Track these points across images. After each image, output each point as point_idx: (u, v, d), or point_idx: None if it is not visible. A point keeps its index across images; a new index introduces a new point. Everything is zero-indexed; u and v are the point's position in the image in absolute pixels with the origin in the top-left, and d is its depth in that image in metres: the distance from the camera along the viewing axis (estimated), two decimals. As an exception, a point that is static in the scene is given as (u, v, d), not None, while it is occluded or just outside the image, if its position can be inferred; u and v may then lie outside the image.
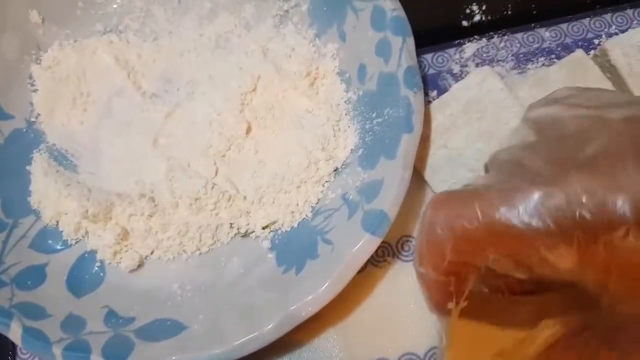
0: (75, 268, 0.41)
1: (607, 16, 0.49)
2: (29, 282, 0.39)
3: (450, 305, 0.32)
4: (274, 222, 0.41)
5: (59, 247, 0.42)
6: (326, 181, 0.42)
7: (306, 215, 0.41)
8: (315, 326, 0.41)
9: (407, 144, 0.38)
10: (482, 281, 0.33)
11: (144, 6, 0.48)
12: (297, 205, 0.41)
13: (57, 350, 0.35)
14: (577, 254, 0.27)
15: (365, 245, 0.36)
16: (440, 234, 0.31)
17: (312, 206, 0.41)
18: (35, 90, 0.46)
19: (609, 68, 0.44)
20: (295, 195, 0.41)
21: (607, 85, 0.43)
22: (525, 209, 0.28)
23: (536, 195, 0.28)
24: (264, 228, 0.41)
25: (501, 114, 0.41)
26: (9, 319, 0.36)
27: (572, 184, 0.27)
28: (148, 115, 0.45)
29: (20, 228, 0.42)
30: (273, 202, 0.41)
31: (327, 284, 0.35)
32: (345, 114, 0.43)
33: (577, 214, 0.27)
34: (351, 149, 0.42)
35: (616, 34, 0.47)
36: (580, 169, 0.28)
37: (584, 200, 0.27)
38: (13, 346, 0.42)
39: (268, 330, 0.35)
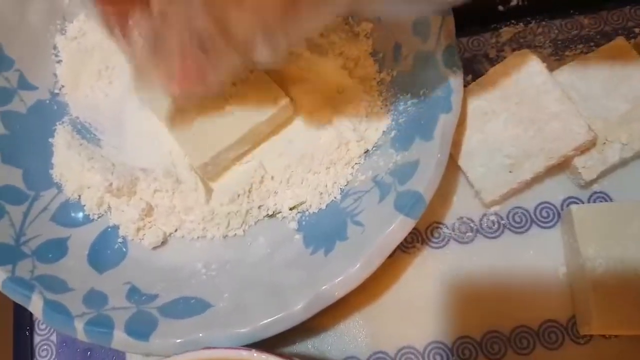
0: (97, 243, 0.40)
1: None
2: (50, 255, 0.38)
3: None
4: (301, 203, 0.40)
5: (81, 221, 0.41)
6: (356, 163, 0.41)
7: (335, 197, 0.40)
8: (340, 310, 0.40)
9: (445, 124, 0.36)
10: None
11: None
12: (326, 186, 0.40)
13: (79, 325, 0.34)
14: None
15: (399, 226, 0.35)
16: None
17: (341, 188, 0.40)
18: (59, 62, 0.45)
19: (650, 57, 0.43)
20: (324, 176, 0.40)
21: (648, 74, 0.41)
22: None
23: None
24: (291, 209, 0.40)
25: (541, 98, 0.40)
26: (30, 291, 0.35)
27: None
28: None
29: (41, 200, 0.41)
30: (301, 183, 0.40)
31: (358, 265, 0.34)
32: (378, 95, 0.42)
33: None
34: (383, 131, 0.41)
35: (658, 22, 0.46)
36: None
37: None
38: (31, 321, 0.42)
39: (297, 310, 0.34)
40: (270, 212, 0.41)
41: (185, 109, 0.40)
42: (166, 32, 0.30)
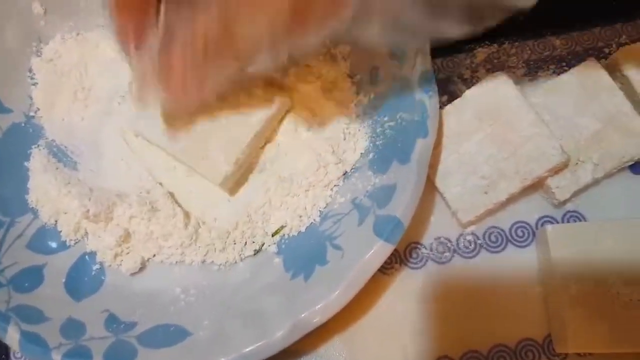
0: (74, 270, 0.40)
1: (618, 26, 0.48)
2: (27, 284, 0.38)
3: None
4: (282, 227, 0.40)
5: (57, 248, 0.40)
6: (335, 185, 0.41)
7: (314, 220, 0.40)
8: (320, 334, 0.40)
9: (422, 148, 0.37)
10: None
11: (149, 0, 0.47)
12: (305, 209, 0.40)
13: (56, 356, 0.34)
14: None
15: (378, 252, 0.35)
16: None
17: (320, 210, 0.40)
18: (35, 84, 0.45)
19: (620, 78, 0.44)
20: (303, 199, 0.40)
21: (619, 94, 0.42)
22: None
23: None
24: (273, 235, 0.40)
25: (515, 121, 0.40)
26: (6, 323, 0.35)
27: None
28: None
29: (17, 227, 0.40)
30: (280, 206, 0.40)
31: (338, 291, 0.34)
32: (356, 117, 0.42)
33: None
34: (361, 153, 0.41)
35: (627, 43, 0.47)
36: None
37: None
38: (6, 350, 0.41)
39: (277, 338, 0.34)
40: (257, 248, 0.41)
41: (183, 130, 0.40)
42: (170, 43, 0.31)
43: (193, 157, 0.40)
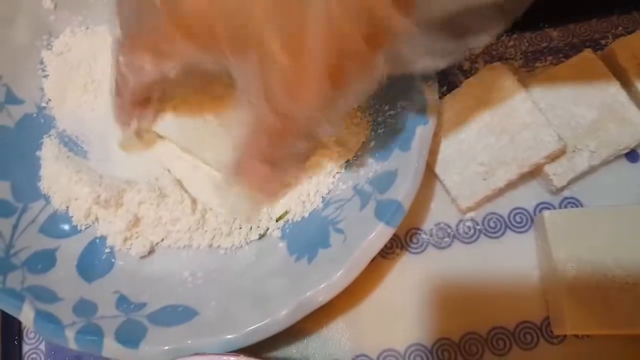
0: (86, 253, 0.41)
1: (614, 17, 0.49)
2: (40, 266, 0.39)
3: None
4: (286, 213, 0.41)
5: (68, 232, 0.42)
6: (337, 172, 0.42)
7: (317, 206, 0.41)
8: (323, 315, 0.41)
9: (422, 136, 0.38)
10: None
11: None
12: (309, 195, 0.41)
13: (70, 334, 0.35)
14: None
15: (379, 234, 0.36)
16: None
17: (323, 197, 0.42)
18: (46, 76, 0.46)
19: (616, 68, 0.45)
20: (306, 185, 0.41)
21: (615, 85, 0.43)
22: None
23: None
24: (277, 220, 0.41)
25: (513, 109, 0.42)
26: (21, 302, 0.36)
27: None
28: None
29: (30, 212, 0.41)
30: (284, 192, 0.42)
31: (340, 272, 0.35)
32: (358, 106, 0.43)
33: None
34: (363, 141, 0.42)
35: (623, 35, 0.48)
36: None
37: None
38: (19, 331, 0.42)
39: (281, 316, 0.35)
40: (262, 232, 0.42)
41: (190, 123, 0.41)
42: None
43: (200, 148, 0.41)
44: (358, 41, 0.26)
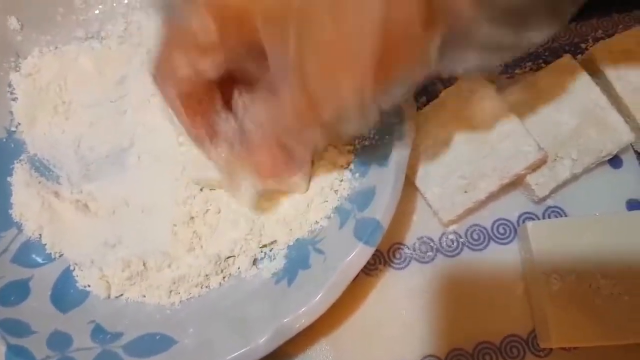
0: (60, 282, 0.40)
1: (593, 21, 0.49)
2: (12, 298, 0.38)
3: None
4: (274, 242, 0.40)
5: (42, 261, 0.41)
6: (326, 201, 0.40)
7: (303, 235, 0.40)
8: (306, 337, 0.40)
9: (399, 151, 0.37)
10: None
11: (127, 12, 0.47)
12: (299, 224, 0.40)
13: (43, 369, 0.34)
14: None
15: (359, 255, 0.35)
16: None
17: (310, 225, 0.40)
18: (14, 99, 0.45)
19: (596, 73, 0.44)
20: (294, 214, 0.40)
21: (595, 89, 0.43)
22: None
23: None
24: (262, 247, 0.40)
25: (492, 119, 0.41)
26: (-9, 337, 0.35)
27: None
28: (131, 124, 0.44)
29: (1, 242, 0.40)
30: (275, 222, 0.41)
31: (320, 295, 0.34)
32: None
33: None
34: (350, 162, 0.41)
35: (602, 38, 0.47)
36: None
37: None
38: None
39: (261, 343, 0.34)
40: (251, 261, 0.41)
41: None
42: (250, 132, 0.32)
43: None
44: (414, 23, 0.23)
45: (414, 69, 0.27)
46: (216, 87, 0.33)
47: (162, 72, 0.32)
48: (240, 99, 0.34)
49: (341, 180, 0.40)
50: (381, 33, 0.24)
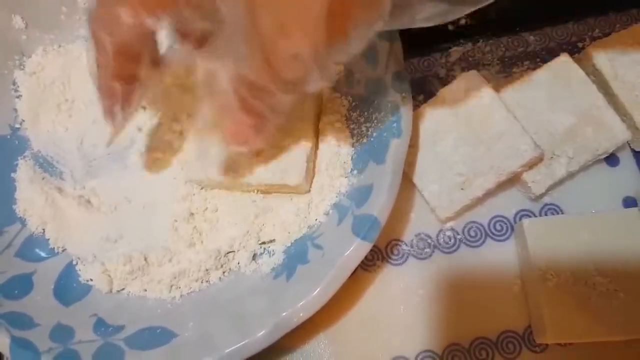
0: (63, 276, 0.40)
1: (590, 20, 0.49)
2: (16, 292, 0.39)
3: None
4: (272, 241, 0.41)
5: (45, 256, 0.41)
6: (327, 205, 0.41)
7: (301, 234, 0.40)
8: (305, 331, 0.41)
9: (396, 148, 0.38)
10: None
11: (129, 11, 0.47)
12: (298, 226, 0.41)
13: (46, 360, 0.35)
14: None
15: (356, 250, 0.36)
16: None
17: (308, 226, 0.41)
18: (19, 97, 0.45)
19: (593, 71, 0.45)
20: (293, 218, 0.41)
21: (592, 88, 0.43)
22: None
23: None
24: (261, 243, 0.41)
25: (488, 118, 0.41)
26: (-5, 329, 0.36)
27: None
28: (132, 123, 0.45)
29: (5, 236, 0.41)
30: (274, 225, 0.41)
31: (318, 289, 0.35)
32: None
33: None
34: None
35: (599, 37, 0.48)
36: None
37: None
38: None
39: (259, 337, 0.34)
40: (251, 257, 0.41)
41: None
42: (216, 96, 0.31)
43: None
44: None
45: (368, 21, 0.26)
46: (152, 40, 0.33)
47: (100, 16, 0.31)
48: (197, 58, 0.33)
49: (343, 177, 0.40)
50: None
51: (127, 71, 0.33)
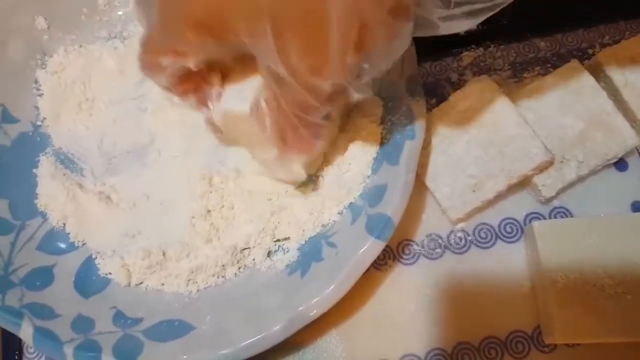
0: (82, 270, 0.41)
1: (601, 27, 0.50)
2: (38, 283, 0.40)
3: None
4: (286, 239, 0.42)
5: (65, 249, 0.42)
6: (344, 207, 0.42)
7: (316, 232, 0.41)
8: (318, 328, 0.42)
9: (410, 150, 0.39)
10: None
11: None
12: (312, 224, 0.41)
13: (68, 350, 0.36)
14: None
15: (370, 248, 0.37)
16: None
17: (323, 224, 0.42)
18: (40, 95, 0.46)
19: (603, 78, 0.45)
20: (307, 217, 0.41)
21: (602, 95, 0.44)
22: None
23: None
24: (275, 241, 0.42)
25: (499, 122, 0.42)
26: (20, 319, 0.37)
27: None
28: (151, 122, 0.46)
29: (27, 230, 0.42)
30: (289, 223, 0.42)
31: (333, 286, 0.36)
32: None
33: None
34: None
35: (609, 44, 0.49)
36: None
37: None
38: (19, 346, 0.43)
39: (275, 331, 0.35)
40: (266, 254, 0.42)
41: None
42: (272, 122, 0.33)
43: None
44: (382, 14, 0.25)
45: (393, 46, 0.28)
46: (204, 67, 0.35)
47: (147, 65, 0.34)
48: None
49: (360, 178, 0.41)
50: (351, 24, 0.25)
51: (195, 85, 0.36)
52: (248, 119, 0.35)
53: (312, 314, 0.36)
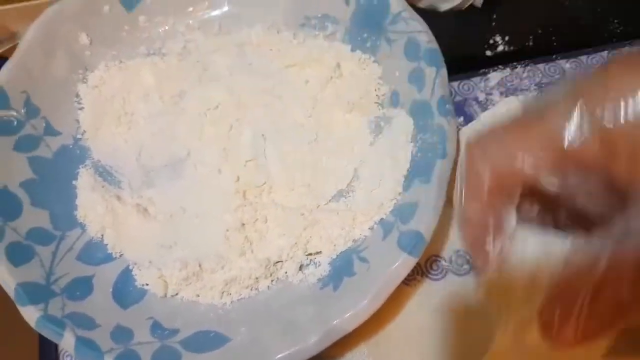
0: (120, 280, 0.42)
1: (625, 49, 0.51)
2: (78, 293, 0.41)
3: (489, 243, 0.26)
4: (318, 253, 0.43)
5: (104, 259, 0.43)
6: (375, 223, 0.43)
7: (347, 248, 0.42)
8: (347, 342, 0.42)
9: (442, 169, 0.40)
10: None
11: (186, 31, 0.50)
12: (343, 240, 0.43)
13: (109, 360, 0.37)
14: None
15: (403, 264, 0.38)
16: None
17: (354, 239, 0.43)
18: (81, 108, 0.48)
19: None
20: (338, 232, 0.43)
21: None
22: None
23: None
24: (307, 255, 0.43)
25: (528, 142, 0.43)
26: (62, 329, 0.38)
27: None
28: (188, 136, 0.47)
29: (67, 240, 0.43)
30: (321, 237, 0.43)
31: (366, 300, 0.37)
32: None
33: None
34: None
35: (634, 66, 0.49)
36: None
37: None
38: (56, 355, 0.44)
39: (310, 344, 0.36)
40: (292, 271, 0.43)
41: None
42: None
43: None
44: None
45: None
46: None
47: (491, 149, 0.27)
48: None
49: (391, 200, 0.42)
50: None
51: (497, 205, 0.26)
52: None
53: (347, 327, 0.37)
